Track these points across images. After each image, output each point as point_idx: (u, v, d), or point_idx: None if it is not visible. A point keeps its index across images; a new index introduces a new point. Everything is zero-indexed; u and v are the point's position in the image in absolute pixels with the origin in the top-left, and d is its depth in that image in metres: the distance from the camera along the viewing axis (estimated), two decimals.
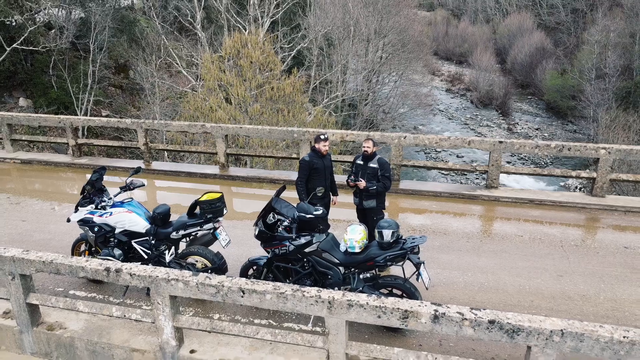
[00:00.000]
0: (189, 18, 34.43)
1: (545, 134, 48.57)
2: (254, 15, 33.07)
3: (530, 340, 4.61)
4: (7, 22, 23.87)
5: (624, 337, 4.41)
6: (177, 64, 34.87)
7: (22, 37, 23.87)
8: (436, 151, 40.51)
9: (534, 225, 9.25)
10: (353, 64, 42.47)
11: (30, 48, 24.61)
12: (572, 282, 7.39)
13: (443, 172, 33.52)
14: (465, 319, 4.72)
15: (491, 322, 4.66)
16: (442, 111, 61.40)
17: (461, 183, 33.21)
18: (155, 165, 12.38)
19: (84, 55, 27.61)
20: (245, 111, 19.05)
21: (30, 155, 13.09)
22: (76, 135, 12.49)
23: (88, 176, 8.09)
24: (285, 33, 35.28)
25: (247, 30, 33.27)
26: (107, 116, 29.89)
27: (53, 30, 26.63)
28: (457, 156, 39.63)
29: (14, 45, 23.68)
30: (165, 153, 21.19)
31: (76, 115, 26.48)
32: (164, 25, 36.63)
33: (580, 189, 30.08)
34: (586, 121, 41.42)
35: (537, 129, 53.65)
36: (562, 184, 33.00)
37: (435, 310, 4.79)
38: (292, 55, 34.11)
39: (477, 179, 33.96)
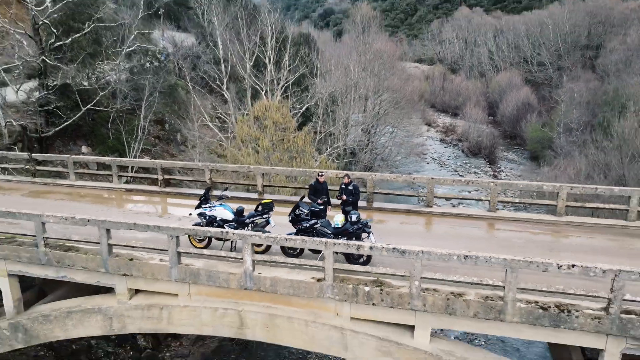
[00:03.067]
0: (217, 82, 41.57)
1: (527, 180, 54.90)
2: (270, 79, 40.32)
3: (409, 256, 10.89)
4: (82, 88, 30.91)
5: (449, 253, 10.69)
6: (205, 117, 41.79)
7: (94, 101, 30.90)
8: (412, 184, 46.85)
9: (451, 226, 15.54)
10: (353, 118, 49.49)
11: (101, 109, 31.63)
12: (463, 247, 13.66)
13: (403, 196, 39.95)
14: (383, 248, 11.04)
15: (394, 249, 10.97)
16: (436, 159, 68.18)
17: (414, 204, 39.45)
18: (216, 192, 18.79)
19: (137, 113, 34.50)
20: (268, 158, 25.61)
21: (131, 186, 19.57)
22: (163, 172, 18.98)
23: (170, 200, 14.57)
24: (295, 92, 42.38)
25: (264, 90, 40.53)
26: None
27: (114, 94, 33.68)
28: (422, 188, 45.92)
29: (89, 106, 30.69)
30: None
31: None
32: (194, 86, 43.94)
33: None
34: (553, 167, 47.77)
35: (519, 176, 59.77)
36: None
37: (372, 240, 11.12)
38: (302, 112, 41.10)
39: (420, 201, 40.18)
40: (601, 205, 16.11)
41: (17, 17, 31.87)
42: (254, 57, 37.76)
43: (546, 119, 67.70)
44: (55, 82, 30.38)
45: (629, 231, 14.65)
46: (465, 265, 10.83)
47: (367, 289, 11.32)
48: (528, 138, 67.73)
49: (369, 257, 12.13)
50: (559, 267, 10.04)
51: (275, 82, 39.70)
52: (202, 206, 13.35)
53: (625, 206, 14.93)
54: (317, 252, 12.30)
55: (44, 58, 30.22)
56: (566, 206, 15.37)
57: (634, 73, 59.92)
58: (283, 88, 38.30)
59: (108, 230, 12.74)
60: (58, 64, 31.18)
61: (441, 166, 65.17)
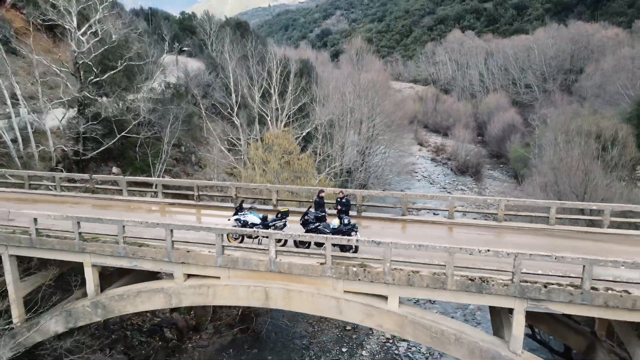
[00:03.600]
0: (228, 110, 47.06)
1: (510, 197, 60.22)
2: (275, 107, 45.85)
3: (383, 246, 16.12)
4: (117, 118, 36.33)
5: (409, 243, 15.96)
6: (217, 141, 47.18)
7: (127, 129, 36.32)
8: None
9: (420, 229, 20.80)
10: (349, 140, 54.94)
11: (132, 135, 37.03)
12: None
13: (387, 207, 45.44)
14: (365, 241, 16.32)
15: (372, 241, 16.24)
16: (426, 177, 73.71)
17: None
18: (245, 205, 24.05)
19: (162, 138, 39.87)
20: (277, 178, 30.94)
21: (172, 200, 24.81)
22: (197, 190, 24.24)
23: (203, 211, 19.84)
24: (297, 118, 47.82)
25: (269, 117, 46.06)
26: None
27: (142, 122, 39.08)
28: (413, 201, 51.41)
29: (123, 133, 36.07)
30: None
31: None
32: (207, 112, 49.46)
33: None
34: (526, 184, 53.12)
35: (502, 192, 64.98)
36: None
37: (358, 237, 16.41)
38: (303, 135, 46.53)
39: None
40: (531, 214, 21.41)
41: (62, 57, 37.35)
42: (262, 90, 43.29)
43: (529, 139, 73.30)
44: (93, 113, 35.75)
45: (550, 232, 19.95)
46: (420, 251, 16.08)
47: (354, 269, 16.57)
48: (511, 157, 73.28)
49: (356, 248, 17.38)
50: (479, 252, 15.33)
51: (279, 109, 45.22)
52: (238, 214, 18.63)
53: (546, 214, 20.24)
54: (320, 245, 17.55)
55: (86, 93, 35.70)
56: (505, 214, 20.68)
57: (607, 98, 65.82)
58: (287, 116, 43.80)
59: (172, 231, 17.97)
60: (96, 97, 36.69)
61: (431, 183, 70.58)
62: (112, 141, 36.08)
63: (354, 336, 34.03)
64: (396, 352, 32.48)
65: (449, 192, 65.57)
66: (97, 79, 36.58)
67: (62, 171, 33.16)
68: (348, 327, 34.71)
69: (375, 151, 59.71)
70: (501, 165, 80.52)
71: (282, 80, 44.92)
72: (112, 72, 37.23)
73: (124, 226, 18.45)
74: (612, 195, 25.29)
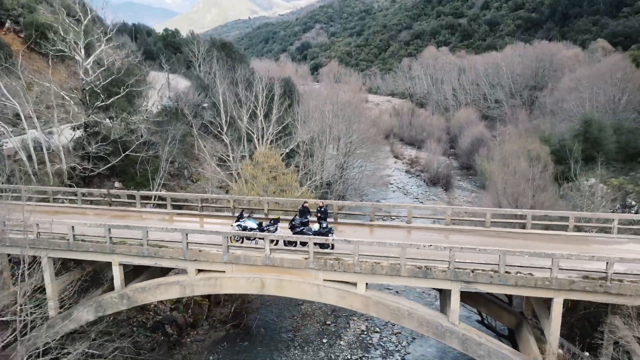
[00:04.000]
0: (218, 129, 51.82)
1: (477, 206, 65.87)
2: (261, 126, 50.80)
3: (352, 243, 21.16)
4: (122, 139, 40.94)
5: (372, 241, 21.02)
6: (208, 159, 51.80)
7: (131, 148, 40.94)
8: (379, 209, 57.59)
9: (384, 232, 25.86)
10: (329, 154, 60.09)
11: (134, 154, 41.62)
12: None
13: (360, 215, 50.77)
14: (339, 240, 21.35)
15: (344, 240, 21.27)
16: (400, 188, 79.13)
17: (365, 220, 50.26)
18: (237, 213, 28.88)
19: (159, 156, 44.51)
20: (265, 191, 35.85)
21: (180, 211, 29.52)
22: (202, 202, 29.00)
23: (205, 220, 24.71)
24: (281, 136, 52.79)
25: (256, 135, 50.99)
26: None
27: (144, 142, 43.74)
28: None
29: (127, 152, 40.66)
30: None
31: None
32: (199, 132, 54.15)
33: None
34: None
35: (469, 202, 70.67)
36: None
37: (333, 237, 21.45)
38: (287, 152, 51.49)
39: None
40: (472, 219, 26.70)
41: (73, 85, 41.94)
42: (249, 112, 48.22)
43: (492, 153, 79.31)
44: (102, 135, 40.25)
45: (484, 233, 25.21)
46: (380, 247, 21.15)
47: (331, 262, 21.55)
48: (478, 169, 79.08)
49: (332, 246, 22.36)
50: (424, 247, 20.44)
51: (265, 129, 50.20)
52: (239, 220, 23.48)
53: (483, 219, 25.53)
54: (304, 244, 22.46)
55: (93, 116, 40.27)
56: (452, 219, 25.91)
57: (563, 115, 72.18)
58: (272, 134, 48.80)
59: (187, 234, 22.74)
60: (101, 120, 41.27)
61: (405, 194, 75.99)
62: (117, 159, 40.61)
63: (333, 329, 38.80)
64: (370, 342, 37.31)
65: (421, 202, 71.06)
66: (103, 103, 41.16)
67: (73, 186, 37.61)
68: (328, 322, 39.53)
69: (353, 164, 64.88)
70: (470, 177, 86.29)
71: (267, 103, 49.93)
72: (116, 97, 41.85)
73: (147, 231, 23.15)
74: (537, 204, 30.79)
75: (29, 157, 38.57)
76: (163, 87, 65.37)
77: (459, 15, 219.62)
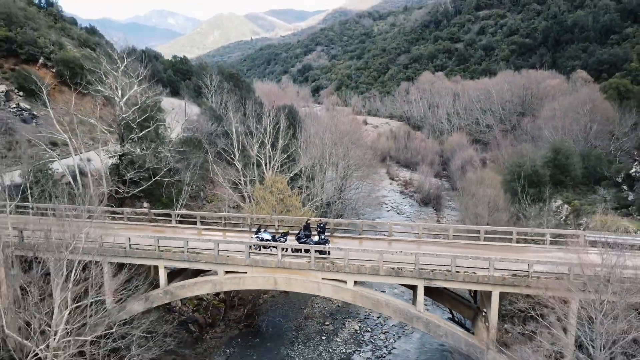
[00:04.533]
0: (230, 155, 59.12)
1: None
2: (268, 154, 58.11)
3: (344, 250, 28.27)
4: (153, 167, 48.30)
5: (358, 248, 28.17)
6: (223, 183, 58.91)
7: (160, 174, 48.27)
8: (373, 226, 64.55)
9: (371, 242, 32.93)
10: (328, 177, 67.29)
11: (162, 178, 48.96)
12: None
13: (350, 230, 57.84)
14: (334, 248, 28.51)
15: (338, 248, 28.42)
16: (394, 208, 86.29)
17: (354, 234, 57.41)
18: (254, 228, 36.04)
19: (182, 180, 51.81)
20: (274, 211, 43.01)
21: (207, 227, 36.64)
22: (224, 220, 36.12)
23: (228, 234, 31.92)
24: (286, 162, 60.02)
25: (264, 162, 58.34)
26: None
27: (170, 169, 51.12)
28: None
29: (157, 178, 48.00)
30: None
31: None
32: (214, 158, 61.47)
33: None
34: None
35: (457, 221, 77.50)
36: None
37: (329, 246, 28.64)
38: (291, 176, 58.68)
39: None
40: (439, 232, 33.82)
41: (109, 118, 49.44)
42: (259, 142, 55.57)
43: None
44: (138, 163, 47.50)
45: (448, 244, 32.32)
46: (365, 253, 28.23)
47: (328, 264, 28.65)
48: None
49: (329, 252, 29.44)
50: (397, 253, 27.54)
51: (271, 156, 57.49)
52: (258, 233, 30.65)
53: (447, 233, 32.64)
54: (308, 251, 29.47)
55: (128, 146, 47.70)
56: (424, 233, 33.03)
57: (541, 142, 79.42)
58: (278, 162, 56.10)
59: (217, 244, 29.83)
60: (134, 149, 48.68)
61: (398, 213, 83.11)
62: (148, 183, 47.93)
63: (331, 329, 45.65)
64: (362, 339, 44.12)
65: (413, 221, 78.08)
66: (136, 135, 48.59)
67: (112, 206, 44.87)
68: (326, 323, 46.47)
69: (350, 186, 72.00)
70: (460, 197, 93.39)
71: (274, 133, 57.28)
72: (147, 130, 49.30)
73: (187, 241, 30.29)
74: (495, 222, 37.89)
75: (75, 180, 45.85)
76: (179, 114, 72.99)
77: (456, 40, 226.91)
